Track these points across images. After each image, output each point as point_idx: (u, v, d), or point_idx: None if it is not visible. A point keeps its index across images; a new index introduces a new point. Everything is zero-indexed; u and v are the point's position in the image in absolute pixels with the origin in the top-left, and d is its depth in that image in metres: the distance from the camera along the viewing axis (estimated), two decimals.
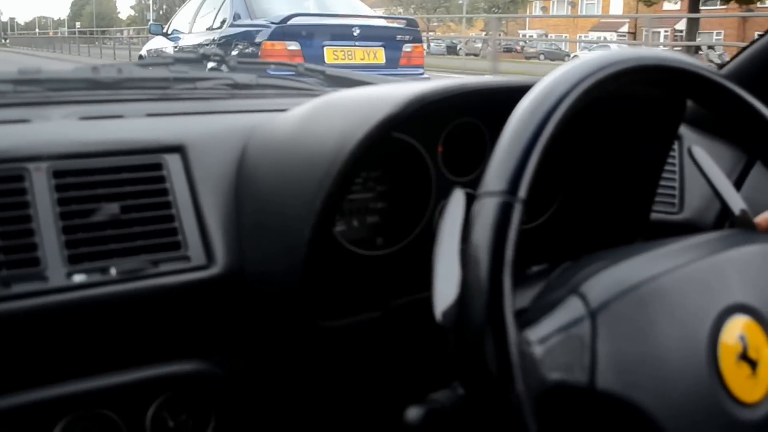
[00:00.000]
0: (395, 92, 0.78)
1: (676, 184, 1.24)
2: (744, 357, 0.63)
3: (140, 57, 8.61)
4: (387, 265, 0.91)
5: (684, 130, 1.29)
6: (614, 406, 0.58)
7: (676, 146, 1.27)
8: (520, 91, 0.61)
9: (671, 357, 0.60)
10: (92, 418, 0.81)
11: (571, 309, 0.59)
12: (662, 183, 1.11)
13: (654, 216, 1.03)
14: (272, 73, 1.48)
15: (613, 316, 0.59)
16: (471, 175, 0.97)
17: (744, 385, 0.63)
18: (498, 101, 0.75)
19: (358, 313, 0.86)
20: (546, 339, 0.57)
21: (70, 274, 0.78)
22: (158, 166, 0.86)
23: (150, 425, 0.83)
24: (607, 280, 0.61)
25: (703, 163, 0.79)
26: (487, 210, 0.56)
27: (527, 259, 0.95)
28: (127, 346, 0.81)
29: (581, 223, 1.07)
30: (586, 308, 0.59)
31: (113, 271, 0.80)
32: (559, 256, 0.90)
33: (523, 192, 0.56)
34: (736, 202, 0.77)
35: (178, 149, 0.88)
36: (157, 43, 7.59)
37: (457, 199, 0.61)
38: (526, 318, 0.60)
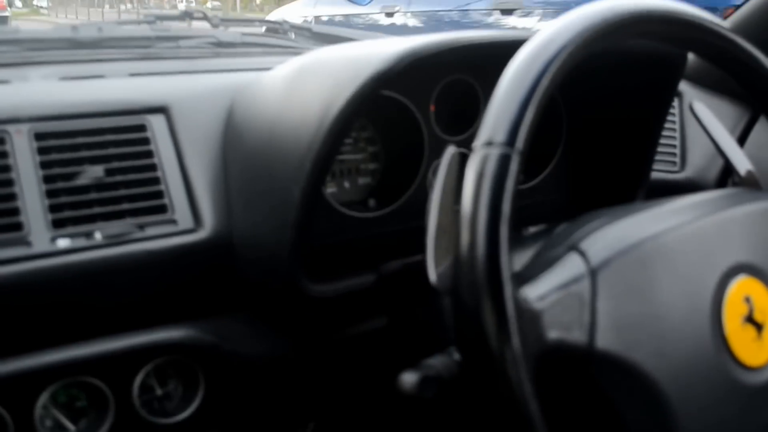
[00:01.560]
0: (385, 48, 0.75)
1: (677, 142, 1.22)
2: (749, 320, 0.62)
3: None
4: (379, 228, 0.89)
5: (684, 86, 1.26)
6: (613, 367, 0.57)
7: (676, 103, 1.25)
8: (516, 46, 0.59)
9: (673, 317, 0.59)
10: (79, 387, 0.80)
11: (570, 266, 0.58)
12: (663, 141, 1.09)
13: (654, 175, 1.02)
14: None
15: (613, 274, 0.58)
16: (464, 134, 0.95)
17: (749, 349, 0.62)
18: (492, 57, 0.72)
19: (350, 277, 0.85)
20: (545, 296, 0.56)
21: (54, 239, 0.76)
22: (142, 128, 0.83)
23: (138, 394, 0.82)
24: (608, 237, 0.60)
25: (705, 119, 0.77)
26: (483, 162, 0.54)
27: (524, 219, 0.93)
28: (113, 312, 0.80)
29: (579, 183, 1.05)
30: (587, 265, 0.57)
31: (98, 236, 0.77)
32: (557, 216, 0.88)
33: (521, 143, 0.54)
34: (742, 162, 0.75)
35: (161, 110, 0.85)
36: (321, 8, 5.30)
37: (451, 157, 0.60)
38: (525, 275, 0.58)
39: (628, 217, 0.63)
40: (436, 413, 0.89)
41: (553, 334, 0.55)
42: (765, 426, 0.64)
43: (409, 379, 0.58)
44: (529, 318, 0.54)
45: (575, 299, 0.56)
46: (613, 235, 0.60)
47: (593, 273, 0.57)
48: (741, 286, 0.62)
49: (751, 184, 0.74)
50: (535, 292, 0.56)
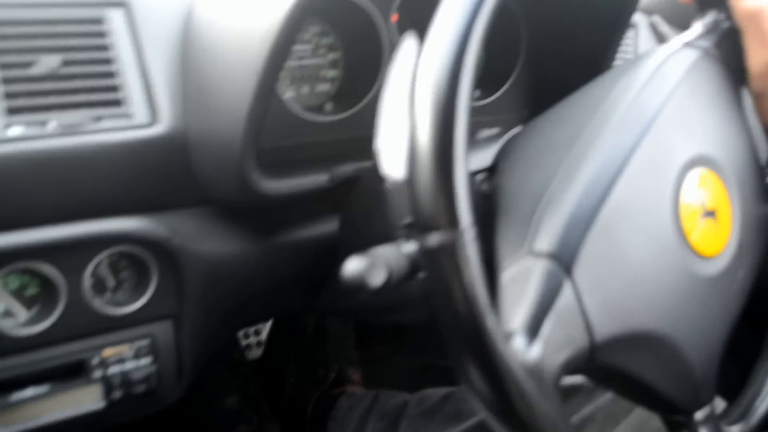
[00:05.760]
0: None
1: None
2: (706, 213, 0.62)
3: None
4: (334, 133, 0.90)
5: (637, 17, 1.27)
6: (618, 346, 0.56)
7: (631, 34, 1.25)
8: None
9: (644, 258, 0.58)
10: (31, 274, 0.81)
11: (546, 279, 0.53)
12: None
13: None
14: None
15: (587, 260, 0.54)
16: None
17: (706, 240, 0.61)
18: None
19: (303, 176, 0.86)
20: (537, 338, 0.51)
21: (7, 126, 0.76)
22: (100, 20, 0.84)
23: (90, 283, 0.83)
24: (566, 216, 0.56)
25: (666, 31, 0.77)
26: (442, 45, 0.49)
27: (477, 126, 0.94)
28: (66, 201, 0.80)
29: (536, 101, 1.06)
30: (561, 268, 0.54)
31: (53, 125, 0.78)
32: (509, 122, 0.89)
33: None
34: None
35: (120, 5, 0.86)
36: None
37: (408, 47, 0.58)
38: (510, 328, 0.52)
39: (575, 177, 0.58)
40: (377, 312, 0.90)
41: (558, 359, 0.52)
42: (726, 307, 0.64)
43: (355, 265, 0.52)
44: (533, 370, 0.50)
45: (565, 313, 0.53)
46: (570, 213, 0.56)
47: (569, 273, 0.54)
48: (691, 183, 0.61)
49: None
50: (525, 341, 0.51)
